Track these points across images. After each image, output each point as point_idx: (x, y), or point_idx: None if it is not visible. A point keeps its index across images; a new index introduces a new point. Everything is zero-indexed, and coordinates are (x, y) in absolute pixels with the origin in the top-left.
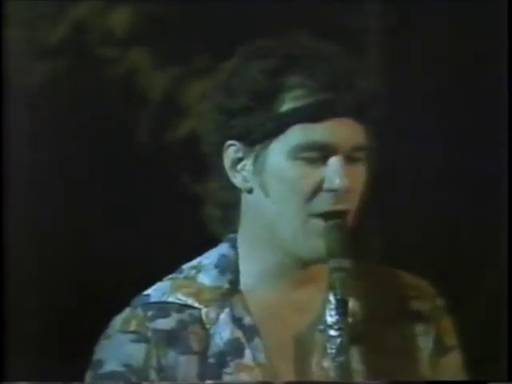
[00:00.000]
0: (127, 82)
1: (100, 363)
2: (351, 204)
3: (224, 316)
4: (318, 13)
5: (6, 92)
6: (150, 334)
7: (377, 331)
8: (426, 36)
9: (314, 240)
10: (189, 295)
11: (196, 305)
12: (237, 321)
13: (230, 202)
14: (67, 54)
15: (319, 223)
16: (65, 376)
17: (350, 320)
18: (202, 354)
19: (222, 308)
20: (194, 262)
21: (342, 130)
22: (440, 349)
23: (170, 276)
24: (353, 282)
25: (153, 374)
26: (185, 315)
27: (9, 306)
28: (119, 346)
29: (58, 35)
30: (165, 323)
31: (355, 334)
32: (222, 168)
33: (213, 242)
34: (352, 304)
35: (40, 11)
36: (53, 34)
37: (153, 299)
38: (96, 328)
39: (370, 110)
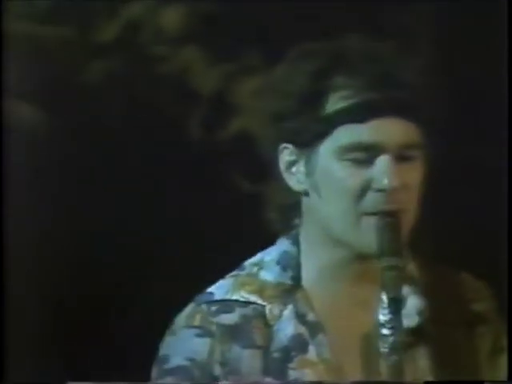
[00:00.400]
0: (179, 80)
1: (165, 358)
2: (404, 203)
3: (287, 312)
4: (362, 12)
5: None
6: (214, 328)
7: (440, 332)
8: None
9: (367, 236)
10: (252, 292)
11: (260, 302)
12: (300, 317)
13: (288, 203)
14: (120, 52)
15: (371, 220)
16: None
17: (417, 320)
18: (266, 349)
19: (285, 304)
20: (256, 259)
21: (389, 129)
22: (496, 350)
23: (232, 273)
24: (415, 282)
25: (217, 368)
26: (248, 310)
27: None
28: (184, 340)
29: (111, 34)
30: (228, 318)
31: (422, 334)
32: (279, 170)
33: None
34: (419, 303)
35: (92, 10)
36: (105, 33)
37: (216, 297)
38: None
39: (417, 109)
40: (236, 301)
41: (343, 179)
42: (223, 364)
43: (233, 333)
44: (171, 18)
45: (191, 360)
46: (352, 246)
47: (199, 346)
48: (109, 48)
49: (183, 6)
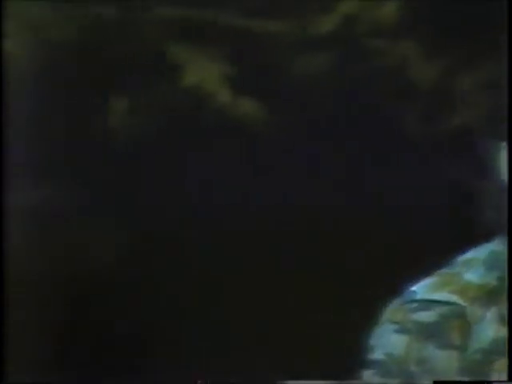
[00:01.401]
0: (397, 72)
1: (371, 349)
2: None
3: (490, 314)
4: None
5: None
6: (411, 325)
7: None
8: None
9: None
10: (454, 292)
11: (461, 302)
12: (504, 319)
13: (504, 203)
14: (336, 46)
15: None
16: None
17: None
18: (464, 350)
19: (488, 306)
20: (463, 258)
21: None
22: None
23: (438, 272)
24: None
25: (413, 366)
26: (447, 310)
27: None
28: (385, 334)
29: (327, 28)
30: (426, 316)
31: None
32: (499, 169)
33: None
34: None
35: (309, 4)
36: (322, 27)
37: (418, 296)
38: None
39: None
40: (437, 301)
41: None
42: (419, 362)
43: (430, 331)
44: (388, 12)
45: (389, 355)
46: None
47: (397, 342)
48: (326, 42)
49: (400, 1)
